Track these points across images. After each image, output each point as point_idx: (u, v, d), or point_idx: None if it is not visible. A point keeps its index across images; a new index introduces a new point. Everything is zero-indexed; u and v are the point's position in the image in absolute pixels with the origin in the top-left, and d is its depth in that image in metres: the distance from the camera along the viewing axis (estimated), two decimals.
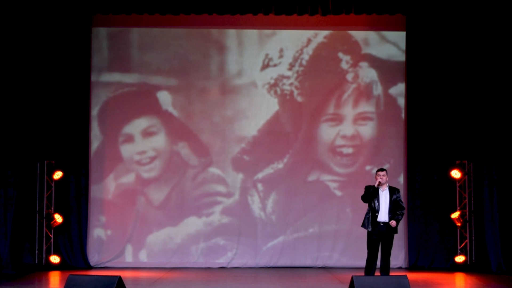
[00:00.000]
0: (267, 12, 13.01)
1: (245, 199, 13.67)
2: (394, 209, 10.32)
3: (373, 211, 10.30)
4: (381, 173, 10.41)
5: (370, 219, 10.32)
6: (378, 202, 10.30)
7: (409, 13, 13.38)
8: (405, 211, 10.56)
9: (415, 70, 13.43)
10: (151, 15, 13.16)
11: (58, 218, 13.23)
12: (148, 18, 13.37)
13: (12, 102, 12.84)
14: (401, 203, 10.40)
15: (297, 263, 13.52)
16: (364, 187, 10.58)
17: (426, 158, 13.36)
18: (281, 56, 13.83)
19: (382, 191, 10.37)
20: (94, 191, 13.58)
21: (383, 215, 10.29)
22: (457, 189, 13.42)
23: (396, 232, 10.46)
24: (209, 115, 13.77)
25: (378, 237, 10.31)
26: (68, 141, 13.34)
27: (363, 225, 10.45)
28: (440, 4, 13.01)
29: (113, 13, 13.15)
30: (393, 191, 10.42)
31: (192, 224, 13.63)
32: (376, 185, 10.33)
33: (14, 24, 12.79)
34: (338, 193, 13.64)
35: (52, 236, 13.34)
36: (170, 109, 13.79)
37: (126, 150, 13.73)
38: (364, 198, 10.39)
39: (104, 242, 13.53)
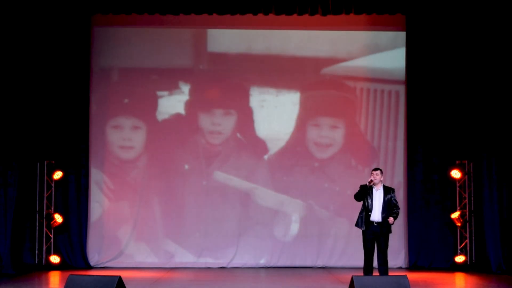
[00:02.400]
0: (267, 12, 13.01)
1: (246, 193, 13.66)
2: (388, 209, 10.28)
3: (366, 210, 10.27)
4: (374, 172, 10.39)
5: (363, 218, 10.30)
6: (372, 201, 10.27)
7: (409, 13, 13.38)
8: (400, 211, 10.51)
9: (415, 70, 13.43)
10: (151, 15, 13.16)
11: (58, 218, 13.23)
12: (148, 18, 13.37)
13: (12, 102, 12.83)
14: (395, 202, 10.38)
15: (297, 263, 13.52)
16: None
17: (426, 158, 13.36)
18: None
19: (376, 190, 10.34)
20: (93, 189, 13.58)
21: (376, 215, 10.26)
22: (457, 189, 13.42)
23: (390, 232, 10.43)
24: (212, 112, 13.78)
25: (373, 236, 10.29)
26: (68, 141, 13.34)
27: (357, 224, 10.43)
28: (440, 4, 13.01)
29: (113, 13, 13.16)
30: (387, 190, 10.40)
31: (192, 219, 13.62)
32: (367, 183, 10.31)
33: (14, 24, 12.78)
34: (338, 189, 13.69)
35: (52, 236, 13.34)
36: (171, 107, 13.78)
37: (126, 146, 13.73)
38: (357, 196, 10.37)
39: (104, 240, 13.52)
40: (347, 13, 12.94)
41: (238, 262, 13.54)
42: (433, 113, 13.35)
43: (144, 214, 13.63)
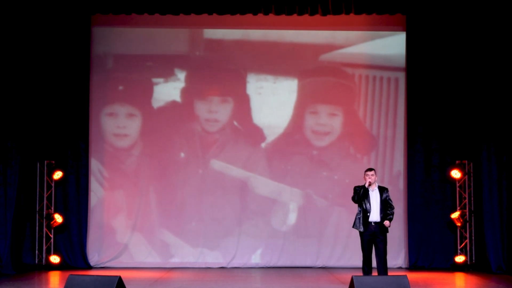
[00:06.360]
0: (267, 12, 13.01)
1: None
2: (385, 209, 10.29)
3: (365, 211, 10.25)
4: (369, 172, 10.35)
5: (361, 219, 10.28)
6: (369, 202, 10.25)
7: (409, 13, 13.38)
8: (394, 210, 10.47)
9: (415, 70, 13.42)
10: (151, 15, 13.16)
11: (58, 218, 13.23)
12: (148, 18, 13.36)
13: (12, 102, 12.83)
14: (390, 201, 10.37)
15: (297, 263, 13.51)
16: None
17: (426, 158, 13.36)
18: None
19: (372, 190, 10.32)
20: (94, 187, 13.57)
21: (374, 215, 10.25)
22: (457, 189, 13.41)
23: (388, 231, 10.41)
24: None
25: (372, 237, 10.28)
26: (68, 141, 13.35)
27: (354, 226, 10.39)
28: (440, 4, 13.01)
29: (113, 13, 13.15)
30: (382, 190, 10.38)
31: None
32: (366, 185, 10.30)
33: (13, 24, 12.78)
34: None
35: (52, 236, 13.34)
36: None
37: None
38: (356, 199, 10.36)
39: (105, 238, 13.51)
40: (347, 13, 12.93)
41: (238, 262, 13.52)
42: (433, 113, 13.34)
43: (139, 204, 13.56)
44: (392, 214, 10.33)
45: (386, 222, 10.23)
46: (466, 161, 13.41)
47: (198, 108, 13.77)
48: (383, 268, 10.28)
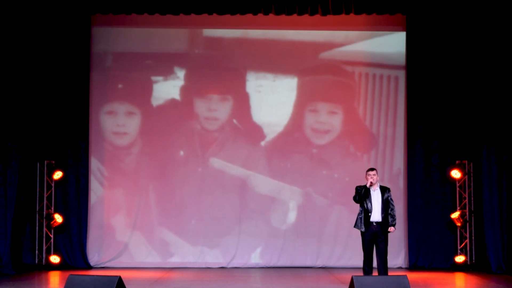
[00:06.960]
0: (267, 12, 13.00)
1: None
2: (386, 208, 10.30)
3: (366, 211, 10.27)
4: (371, 172, 10.36)
5: (362, 219, 10.29)
6: (371, 202, 10.27)
7: (409, 13, 13.37)
8: (395, 211, 10.46)
9: (415, 69, 13.42)
10: (151, 15, 13.15)
11: (58, 218, 13.23)
12: (148, 18, 13.35)
13: (12, 102, 12.82)
14: (391, 202, 10.38)
15: (297, 263, 13.51)
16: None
17: (426, 158, 13.35)
18: None
19: (374, 190, 10.33)
20: (94, 186, 13.56)
21: (376, 215, 10.26)
22: (457, 189, 13.41)
23: (389, 232, 10.43)
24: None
25: (373, 237, 10.30)
26: (68, 141, 13.34)
27: (356, 226, 10.41)
28: (440, 4, 13.01)
29: (113, 13, 13.14)
30: (384, 190, 10.39)
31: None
32: (368, 185, 10.30)
33: (14, 24, 12.77)
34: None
35: (52, 236, 13.34)
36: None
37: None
38: (357, 199, 10.37)
39: (105, 237, 13.50)
40: (347, 13, 12.92)
41: (238, 261, 13.52)
42: (433, 113, 13.33)
43: (139, 203, 13.55)
44: (394, 216, 10.33)
45: (391, 228, 10.26)
46: (466, 161, 13.42)
47: (198, 106, 13.77)
48: (383, 268, 10.29)
